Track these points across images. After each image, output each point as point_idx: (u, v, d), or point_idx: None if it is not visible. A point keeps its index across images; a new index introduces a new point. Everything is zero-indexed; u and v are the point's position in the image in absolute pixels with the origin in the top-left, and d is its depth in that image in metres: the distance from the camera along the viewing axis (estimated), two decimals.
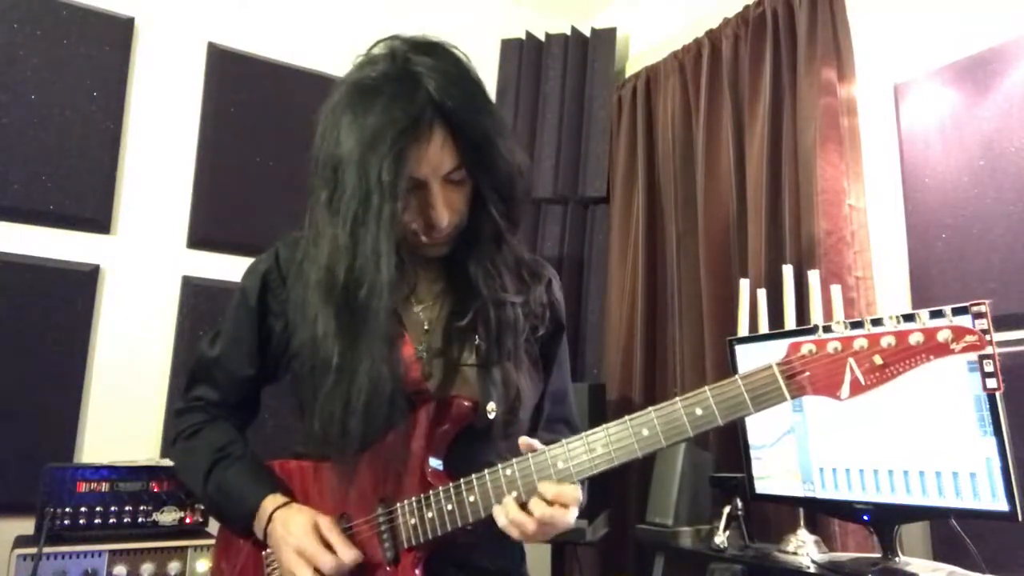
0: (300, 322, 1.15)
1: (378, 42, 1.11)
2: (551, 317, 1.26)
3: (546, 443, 1.05)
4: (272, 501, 1.14)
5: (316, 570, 1.07)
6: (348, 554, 1.07)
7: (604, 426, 1.01)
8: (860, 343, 0.89)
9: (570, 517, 1.02)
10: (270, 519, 1.12)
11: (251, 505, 1.15)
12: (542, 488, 1.00)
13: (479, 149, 1.07)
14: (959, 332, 0.85)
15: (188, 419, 1.26)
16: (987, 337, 0.96)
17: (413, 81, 1.04)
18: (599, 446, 1.00)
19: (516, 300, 1.17)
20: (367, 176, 1.01)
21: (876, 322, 0.92)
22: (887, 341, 0.88)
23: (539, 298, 1.23)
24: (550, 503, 1.00)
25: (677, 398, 0.98)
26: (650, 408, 0.99)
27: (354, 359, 1.04)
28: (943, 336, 0.86)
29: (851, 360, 0.89)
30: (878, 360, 0.88)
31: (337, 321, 1.05)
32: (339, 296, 1.05)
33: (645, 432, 0.98)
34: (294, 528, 1.09)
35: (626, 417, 1.00)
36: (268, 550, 1.15)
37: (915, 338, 0.86)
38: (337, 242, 1.04)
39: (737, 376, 0.95)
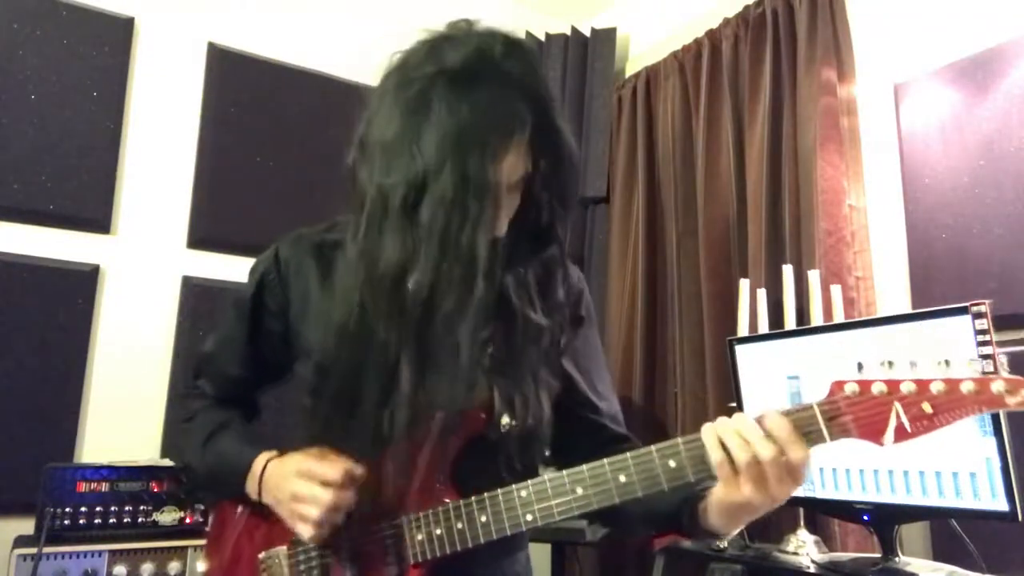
0: (310, 322, 1.12)
1: (452, 25, 1.04)
2: (572, 315, 1.19)
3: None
4: (265, 456, 1.10)
5: (323, 484, 0.99)
6: (355, 466, 1.00)
7: (627, 455, 0.95)
8: (908, 387, 0.84)
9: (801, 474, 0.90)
10: (264, 469, 1.08)
11: (244, 463, 1.11)
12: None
13: (554, 158, 1.03)
14: (1015, 384, 0.80)
15: (189, 404, 1.25)
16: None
17: (512, 84, 0.97)
18: (622, 475, 0.94)
19: (543, 321, 1.10)
20: (465, 178, 0.93)
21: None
22: (937, 387, 0.82)
23: (561, 306, 1.15)
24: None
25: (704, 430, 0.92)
26: (679, 439, 0.94)
27: (422, 379, 0.98)
28: (997, 387, 0.80)
29: (898, 405, 0.84)
30: (927, 408, 0.83)
31: (403, 332, 0.98)
32: (418, 306, 0.96)
33: (672, 464, 0.93)
34: (290, 462, 1.05)
35: (652, 447, 0.94)
36: (263, 554, 1.12)
37: (967, 387, 0.81)
38: (416, 246, 0.95)
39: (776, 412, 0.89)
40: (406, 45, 1.04)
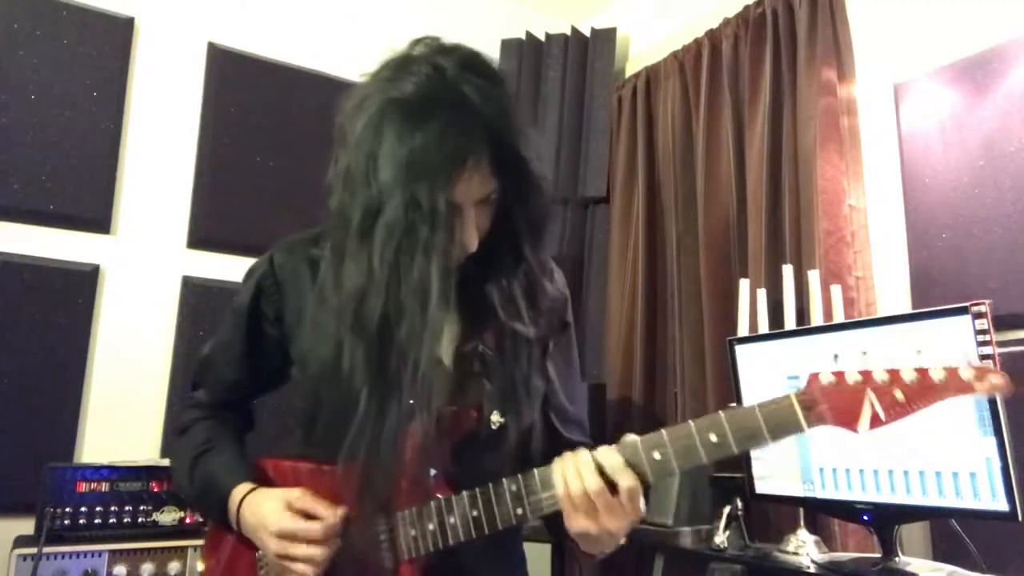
0: (302, 331, 1.14)
1: (414, 43, 1.04)
2: (558, 320, 1.22)
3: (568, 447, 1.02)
4: (240, 490, 1.12)
5: (307, 544, 1.03)
6: (332, 513, 1.04)
7: (615, 446, 0.97)
8: (881, 376, 0.88)
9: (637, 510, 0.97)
10: (240, 507, 1.10)
11: (224, 492, 1.13)
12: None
13: (517, 177, 1.04)
14: (982, 372, 0.85)
15: (183, 416, 1.27)
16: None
17: (466, 109, 0.97)
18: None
19: (529, 330, 1.12)
20: (415, 205, 0.95)
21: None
22: (909, 376, 0.87)
23: (547, 311, 1.17)
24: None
25: (691, 422, 0.95)
26: (663, 431, 0.96)
27: (385, 406, 1.00)
28: (965, 374, 0.85)
29: (871, 393, 0.89)
30: (899, 396, 0.87)
31: (367, 360, 1.00)
32: (373, 333, 0.99)
33: (657, 456, 0.95)
34: (267, 511, 1.07)
35: (637, 439, 0.97)
36: (260, 552, 1.13)
37: (937, 375, 0.86)
38: (372, 272, 0.98)
39: (755, 405, 0.93)
40: (404, 45, 1.05)
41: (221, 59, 2.72)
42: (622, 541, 1.01)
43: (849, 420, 0.90)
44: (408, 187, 0.95)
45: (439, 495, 1.05)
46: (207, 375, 1.27)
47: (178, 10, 2.70)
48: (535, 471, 1.01)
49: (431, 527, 1.03)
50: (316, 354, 1.08)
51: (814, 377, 0.92)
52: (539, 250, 1.13)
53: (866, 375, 0.89)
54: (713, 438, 0.93)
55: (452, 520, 1.02)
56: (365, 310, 0.99)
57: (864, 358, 0.91)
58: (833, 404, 0.90)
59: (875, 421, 0.89)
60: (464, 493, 1.03)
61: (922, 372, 0.86)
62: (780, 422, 0.92)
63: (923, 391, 0.87)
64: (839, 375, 0.91)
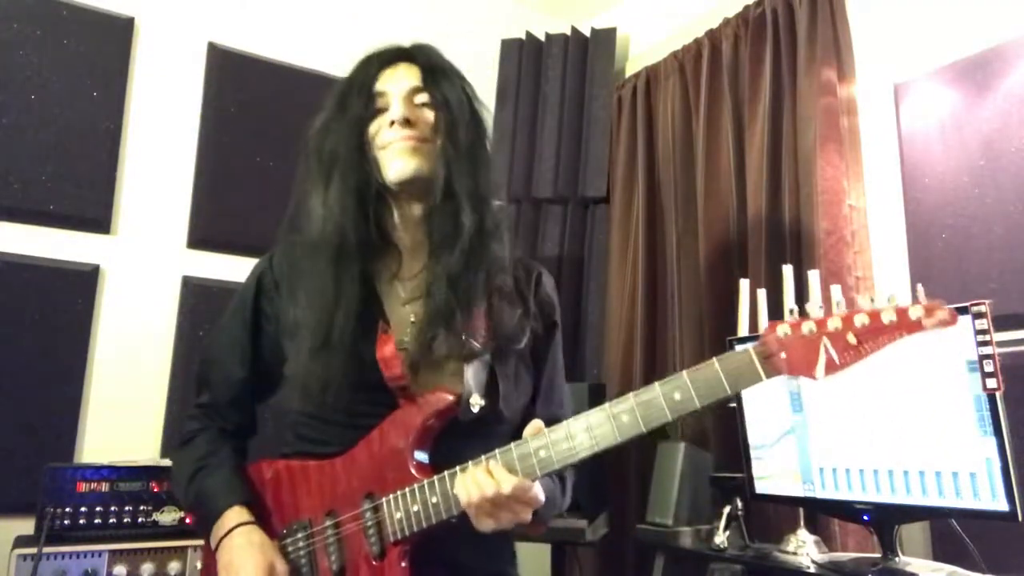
0: (292, 325, 1.16)
1: None
2: (542, 315, 1.26)
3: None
4: (236, 515, 1.14)
5: None
6: None
7: (584, 414, 1.01)
8: (834, 323, 0.90)
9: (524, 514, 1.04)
10: (228, 534, 1.12)
11: (215, 515, 1.15)
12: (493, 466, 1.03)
13: (445, 93, 1.18)
14: (930, 308, 0.86)
15: (186, 426, 1.28)
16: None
17: (402, 47, 1.23)
18: (580, 433, 1.01)
19: (506, 301, 1.17)
20: (347, 95, 1.18)
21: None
22: (860, 320, 0.89)
23: (528, 297, 1.23)
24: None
25: (656, 383, 0.98)
26: (629, 394, 1.00)
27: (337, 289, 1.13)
28: (915, 313, 0.86)
29: (825, 340, 0.90)
30: (852, 339, 0.89)
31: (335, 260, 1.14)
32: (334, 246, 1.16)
33: (625, 419, 0.99)
34: (244, 563, 1.09)
35: (606, 404, 1.00)
36: None
37: (887, 316, 0.87)
38: (328, 206, 1.16)
39: (714, 359, 0.96)
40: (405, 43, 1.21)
41: (221, 59, 2.72)
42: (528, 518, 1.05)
43: (806, 367, 0.91)
44: (348, 81, 1.20)
45: (423, 477, 1.08)
46: (214, 374, 1.27)
47: (178, 10, 2.70)
48: (512, 446, 1.04)
49: (415, 508, 1.07)
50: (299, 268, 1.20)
51: (771, 328, 0.94)
52: (487, 215, 1.18)
53: (820, 323, 0.91)
54: (677, 396, 0.96)
55: (435, 500, 1.06)
56: (325, 233, 1.15)
57: (820, 312, 0.92)
58: (789, 353, 0.92)
59: (830, 366, 0.90)
60: (445, 472, 1.06)
61: (873, 314, 0.88)
62: (739, 374, 0.94)
63: (875, 332, 0.88)
64: (795, 325, 0.92)
